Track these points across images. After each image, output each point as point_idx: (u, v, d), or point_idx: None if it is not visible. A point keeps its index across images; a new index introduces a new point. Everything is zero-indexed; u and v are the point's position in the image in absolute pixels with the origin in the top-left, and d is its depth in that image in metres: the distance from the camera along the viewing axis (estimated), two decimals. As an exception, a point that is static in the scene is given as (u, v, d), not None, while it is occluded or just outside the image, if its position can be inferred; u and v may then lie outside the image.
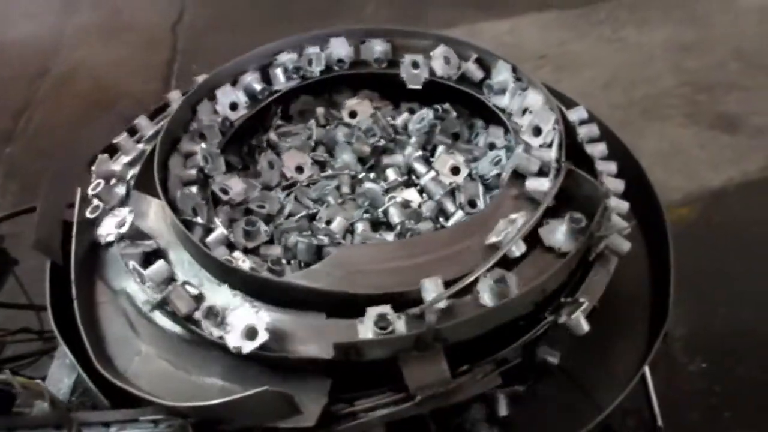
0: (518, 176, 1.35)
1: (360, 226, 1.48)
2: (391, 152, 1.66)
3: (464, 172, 1.54)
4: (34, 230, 1.41)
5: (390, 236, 1.45)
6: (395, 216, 1.47)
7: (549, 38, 4.73)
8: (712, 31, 4.72)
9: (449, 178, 1.54)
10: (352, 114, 1.72)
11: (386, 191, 1.55)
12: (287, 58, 1.69)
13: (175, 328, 1.22)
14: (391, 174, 1.59)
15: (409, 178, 1.61)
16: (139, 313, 1.27)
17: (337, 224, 1.47)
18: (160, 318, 1.24)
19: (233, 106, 1.63)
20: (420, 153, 1.62)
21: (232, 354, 1.14)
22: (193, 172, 1.48)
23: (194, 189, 1.43)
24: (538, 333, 1.17)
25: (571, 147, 1.39)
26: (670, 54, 4.59)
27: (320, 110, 1.75)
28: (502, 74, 1.57)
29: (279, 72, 1.69)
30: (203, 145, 1.53)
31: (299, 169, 1.62)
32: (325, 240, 1.42)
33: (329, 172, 1.61)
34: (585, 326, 1.15)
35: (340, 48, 1.70)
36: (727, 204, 3.57)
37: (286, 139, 1.68)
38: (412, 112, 1.73)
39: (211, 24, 5.35)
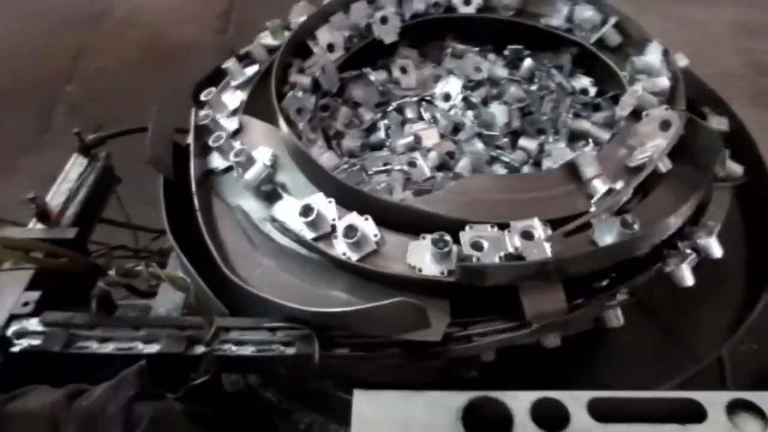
0: (572, 168, 1.30)
1: (430, 156, 1.48)
2: (539, 135, 1.60)
3: None
4: (148, 148, 1.45)
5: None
6: (461, 168, 1.46)
7: (611, 12, 4.64)
8: (779, 15, 4.60)
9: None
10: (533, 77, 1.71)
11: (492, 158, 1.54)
12: None
13: (293, 245, 1.25)
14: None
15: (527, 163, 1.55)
16: (256, 228, 1.30)
17: (405, 141, 1.50)
18: (278, 235, 1.27)
19: (436, 4, 1.74)
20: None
21: (353, 271, 1.18)
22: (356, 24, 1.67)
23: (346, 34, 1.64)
24: (654, 271, 1.19)
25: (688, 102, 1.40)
26: (734, 34, 4.50)
27: (529, 61, 1.72)
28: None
29: None
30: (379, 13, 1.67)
31: (447, 96, 1.63)
32: (387, 142, 1.53)
33: (463, 113, 1.59)
34: (718, 251, 1.23)
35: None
36: (788, 188, 3.51)
37: (457, 68, 1.69)
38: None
39: (268, -23, 5.32)
